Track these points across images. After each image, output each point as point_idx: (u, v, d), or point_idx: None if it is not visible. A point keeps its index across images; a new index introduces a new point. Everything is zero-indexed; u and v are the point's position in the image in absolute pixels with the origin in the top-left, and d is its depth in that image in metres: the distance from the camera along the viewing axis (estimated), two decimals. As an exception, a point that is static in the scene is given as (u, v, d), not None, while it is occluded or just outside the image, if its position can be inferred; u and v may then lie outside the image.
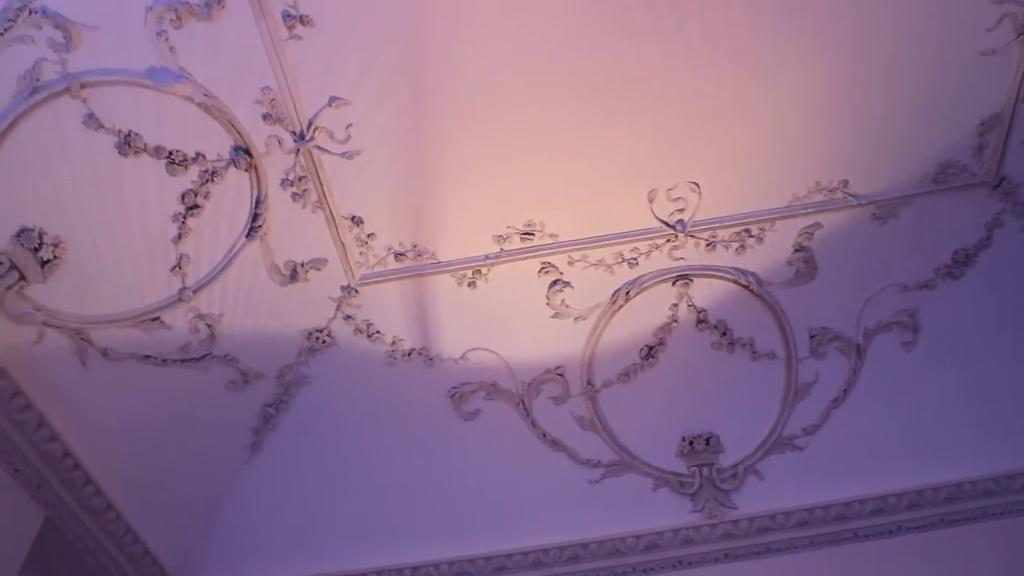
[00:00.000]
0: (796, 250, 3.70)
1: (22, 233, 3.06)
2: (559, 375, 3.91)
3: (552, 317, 3.82)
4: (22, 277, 3.08)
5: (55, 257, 3.12)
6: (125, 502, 3.67)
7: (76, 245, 3.19)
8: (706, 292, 3.80)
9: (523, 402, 3.95)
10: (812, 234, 3.67)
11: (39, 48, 2.81)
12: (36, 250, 3.08)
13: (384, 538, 4.01)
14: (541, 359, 3.92)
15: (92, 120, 3.00)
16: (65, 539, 3.51)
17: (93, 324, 3.35)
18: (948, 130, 3.48)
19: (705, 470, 3.87)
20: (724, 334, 3.83)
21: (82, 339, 3.35)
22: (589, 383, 3.91)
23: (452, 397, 3.96)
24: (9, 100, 2.85)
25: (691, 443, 3.90)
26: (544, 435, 3.96)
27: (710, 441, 3.89)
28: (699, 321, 3.83)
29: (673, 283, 3.78)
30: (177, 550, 4.02)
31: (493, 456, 4.00)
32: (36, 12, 2.75)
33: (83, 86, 2.92)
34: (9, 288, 3.05)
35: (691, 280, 3.76)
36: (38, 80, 2.85)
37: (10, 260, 3.04)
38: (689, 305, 3.81)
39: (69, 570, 3.66)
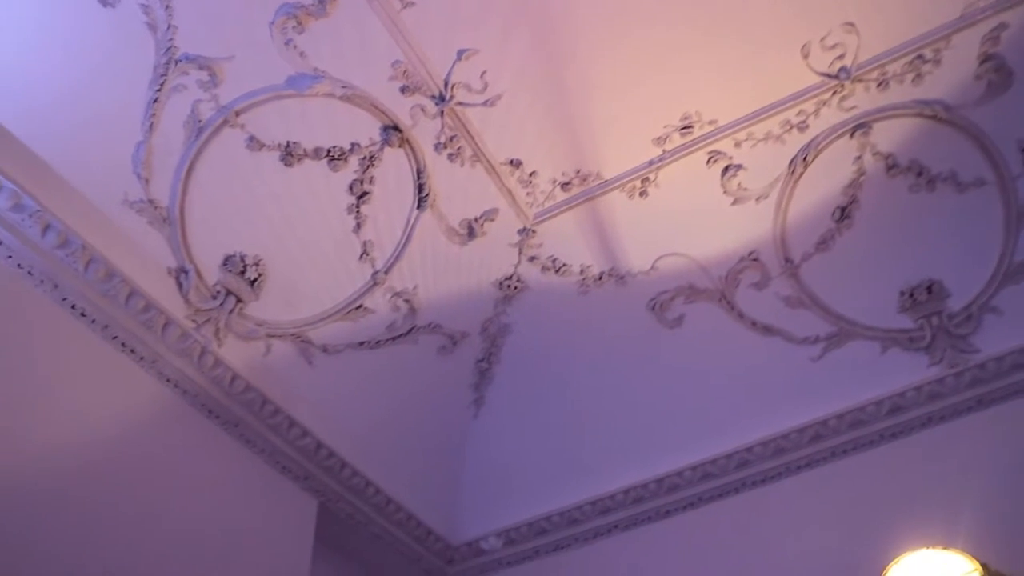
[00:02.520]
0: (983, 60, 3.33)
1: (227, 261, 3.34)
2: (754, 260, 3.79)
3: (732, 204, 3.70)
4: (239, 300, 3.37)
5: (260, 275, 3.39)
6: (380, 476, 3.97)
7: (274, 259, 3.43)
8: (889, 135, 3.52)
9: (724, 296, 3.87)
10: (998, 38, 3.28)
11: (192, 92, 3.02)
12: (242, 273, 3.35)
13: (619, 458, 4.10)
14: (732, 249, 3.81)
15: (254, 142, 3.20)
16: (339, 519, 3.85)
17: (308, 326, 3.61)
18: None
19: (934, 319, 3.61)
20: (920, 174, 3.54)
21: (302, 341, 3.62)
22: (787, 260, 3.76)
23: (652, 309, 3.95)
24: (182, 147, 3.09)
25: (911, 296, 3.65)
26: (754, 324, 3.86)
27: (932, 289, 3.63)
28: (889, 167, 3.56)
29: (851, 135, 3.53)
30: (435, 509, 4.30)
31: (706, 357, 3.95)
32: (180, 60, 2.94)
33: (237, 114, 3.11)
34: (231, 312, 3.34)
35: (870, 127, 3.50)
36: (200, 121, 3.07)
37: (225, 288, 3.33)
38: (874, 154, 3.55)
39: (349, 544, 4.04)
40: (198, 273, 3.27)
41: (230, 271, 3.33)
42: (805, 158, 3.58)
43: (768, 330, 3.85)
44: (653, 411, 4.05)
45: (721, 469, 3.83)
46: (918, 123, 3.48)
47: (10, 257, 2.78)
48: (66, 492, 2.67)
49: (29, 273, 2.82)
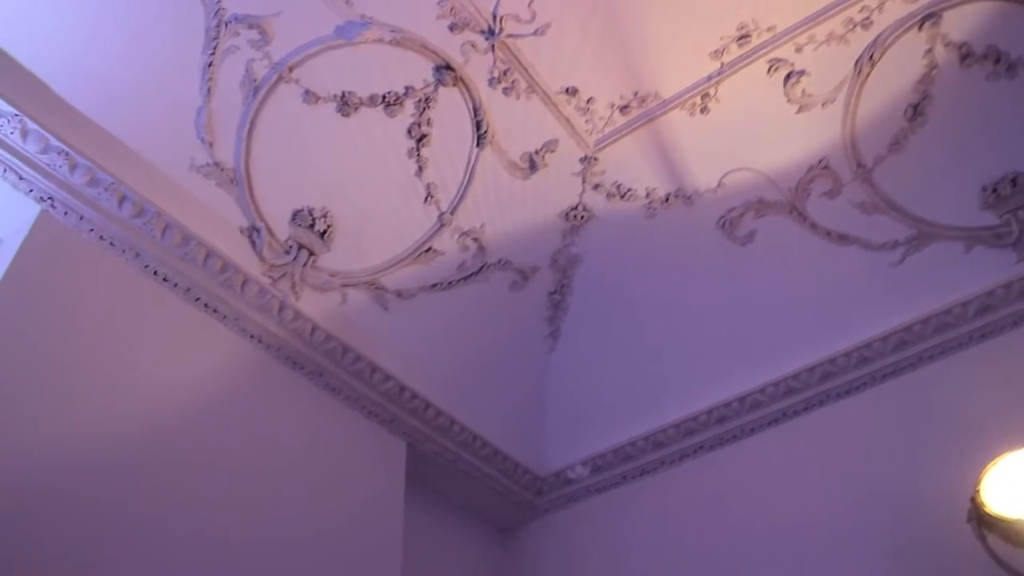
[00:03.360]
0: (1059, -71, 3.12)
1: (296, 216, 3.40)
2: (824, 168, 3.67)
3: (797, 112, 3.58)
4: (311, 253, 3.44)
5: (328, 227, 3.45)
6: (464, 414, 4.06)
7: (341, 210, 3.49)
8: (962, 23, 3.33)
9: (795, 208, 3.77)
10: (1073, -97, 3.06)
11: (244, 52, 3.05)
12: (311, 226, 3.42)
13: (700, 379, 4.09)
14: (800, 158, 3.69)
15: (310, 96, 3.22)
16: (428, 458, 3.96)
17: (380, 273, 3.67)
18: None
19: (1021, 213, 3.45)
20: (998, 60, 3.35)
21: (376, 288, 3.69)
22: (859, 165, 3.63)
23: (722, 227, 3.88)
24: (241, 108, 3.13)
25: (994, 190, 3.49)
26: (828, 233, 3.76)
27: (1017, 181, 3.45)
28: (963, 57, 3.38)
29: (919, 27, 3.35)
30: (520, 442, 4.39)
31: (781, 271, 3.87)
32: (230, 22, 2.96)
33: (291, 69, 3.13)
34: (305, 266, 3.42)
35: (939, 16, 3.32)
36: (255, 80, 3.10)
37: (296, 242, 3.40)
38: (946, 44, 3.37)
39: (439, 482, 4.16)
40: (269, 230, 3.34)
41: (299, 225, 3.40)
42: (871, 57, 3.43)
43: (844, 239, 3.75)
44: (731, 329, 4.01)
45: (804, 383, 3.79)
46: (993, 6, 3.28)
47: (92, 231, 2.89)
48: (166, 455, 2.78)
49: (112, 244, 2.93)
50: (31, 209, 2.78)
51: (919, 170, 3.58)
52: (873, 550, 3.32)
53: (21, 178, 2.74)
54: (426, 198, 3.63)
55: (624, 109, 3.65)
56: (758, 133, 3.66)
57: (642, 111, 3.65)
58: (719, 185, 3.80)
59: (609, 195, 3.89)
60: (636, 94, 3.61)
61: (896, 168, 3.60)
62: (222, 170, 3.19)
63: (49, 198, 2.79)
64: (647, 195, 3.88)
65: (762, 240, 3.87)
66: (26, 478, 2.35)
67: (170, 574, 2.58)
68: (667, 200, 3.87)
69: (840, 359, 3.71)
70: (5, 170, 2.71)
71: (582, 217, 3.95)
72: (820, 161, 3.66)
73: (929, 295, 3.60)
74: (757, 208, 3.82)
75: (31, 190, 2.76)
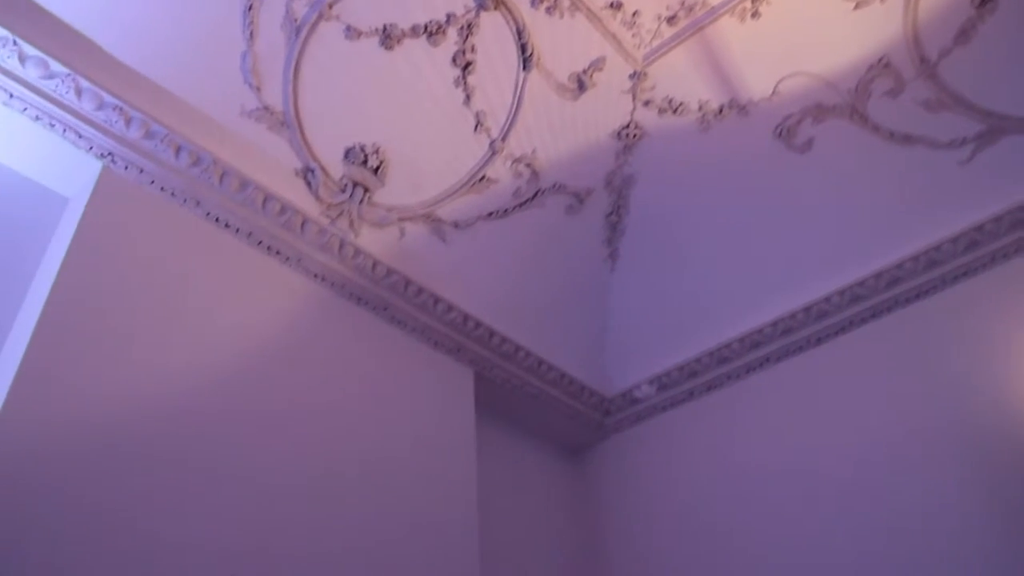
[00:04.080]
0: None
1: (348, 154, 3.43)
2: (885, 66, 3.51)
3: (855, 9, 3.41)
4: (366, 189, 3.47)
5: (381, 162, 3.47)
6: (529, 340, 4.11)
7: (392, 144, 3.50)
8: None
9: (856, 110, 3.63)
10: None
11: (281, -8, 3.03)
12: (364, 163, 3.44)
13: (763, 291, 4.05)
14: (859, 58, 3.53)
15: (351, 32, 3.20)
16: (495, 385, 4.03)
17: (436, 204, 3.69)
18: None
19: (1098, 99, 3.28)
20: (1072, -65, 3.14)
21: (433, 220, 3.72)
22: (923, 60, 3.46)
23: (779, 135, 3.76)
24: (284, 49, 3.14)
25: (1070, 76, 3.32)
26: (891, 134, 3.62)
27: (1094, 65, 3.28)
28: (1035, -66, 3.18)
29: (987, -96, 3.16)
30: (586, 365, 4.43)
31: (842, 177, 3.75)
32: (266, -34, 2.95)
33: (330, 6, 3.11)
34: (361, 203, 3.46)
35: None
36: (295, 20, 3.10)
37: (351, 180, 3.43)
38: (1016, -79, 3.17)
39: (508, 408, 4.24)
40: (323, 170, 3.38)
41: (353, 163, 3.43)
42: (933, -58, 3.24)
43: (908, 139, 3.61)
44: (793, 239, 3.94)
45: (870, 290, 3.72)
46: None
47: (152, 183, 2.96)
48: (238, 399, 2.87)
49: (173, 195, 3.00)
50: (93, 167, 2.86)
51: (988, 62, 3.40)
52: (948, 464, 3.28)
53: (81, 136, 2.81)
54: (476, 126, 3.61)
55: (671, 20, 3.54)
56: (813, 34, 3.51)
57: (690, 21, 3.53)
58: (774, 92, 3.67)
59: (661, 111, 3.81)
60: (683, 3, 3.48)
61: (963, 61, 3.42)
62: (272, 114, 3.22)
63: (109, 154, 2.87)
64: (700, 108, 3.78)
65: (821, 147, 3.75)
66: (103, 427, 2.47)
67: (248, 510, 2.71)
68: (720, 112, 3.77)
69: (907, 264, 3.62)
70: (65, 130, 2.78)
71: (634, 136, 3.88)
72: (880, 59, 3.50)
73: (1001, 192, 3.46)
74: (815, 113, 3.69)
75: (91, 147, 2.83)
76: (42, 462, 2.26)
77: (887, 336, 3.68)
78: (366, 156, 3.46)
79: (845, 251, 3.83)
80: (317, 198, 3.38)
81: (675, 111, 3.80)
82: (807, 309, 3.90)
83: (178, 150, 2.97)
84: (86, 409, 2.43)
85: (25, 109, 2.71)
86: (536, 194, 3.89)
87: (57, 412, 2.36)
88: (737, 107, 3.74)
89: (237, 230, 3.15)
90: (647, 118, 3.84)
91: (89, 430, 2.41)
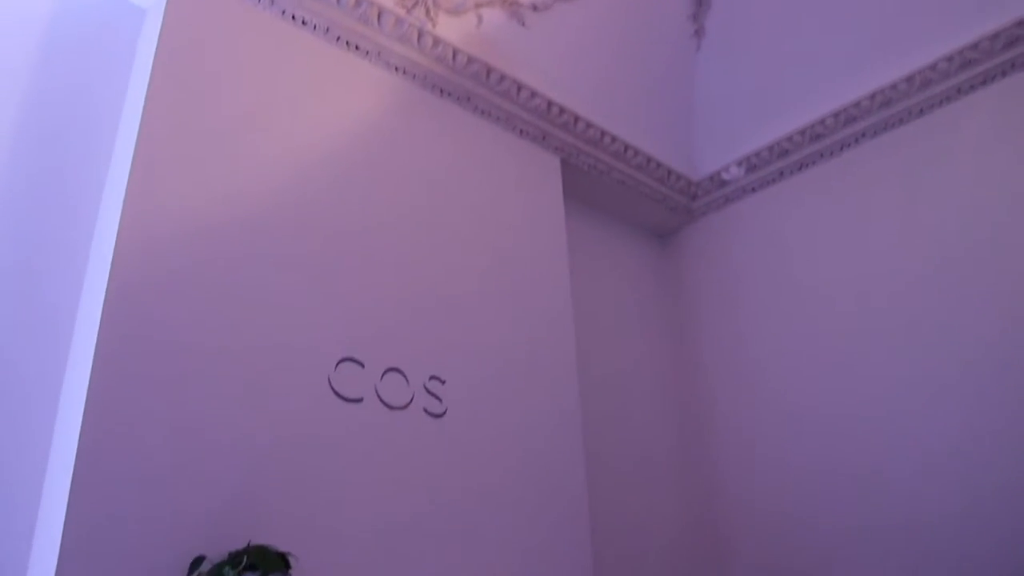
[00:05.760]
0: None
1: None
2: None
3: None
4: (440, -21, 3.31)
5: (448, -53, 3.28)
6: (614, 124, 4.03)
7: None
8: None
9: None
10: None
11: None
12: (432, -51, 3.26)
13: (858, 62, 3.81)
14: None
15: None
16: (582, 171, 4.00)
17: (514, -14, 3.52)
18: None
19: None
20: None
21: (511, 4, 3.56)
22: None
23: None
24: None
25: None
26: None
27: None
28: None
29: None
30: (672, 148, 4.34)
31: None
32: None
33: None
34: (436, -7, 3.32)
35: None
36: None
37: (422, -32, 3.27)
38: None
39: (595, 195, 4.23)
40: (395, -45, 3.23)
41: (424, -53, 3.26)
42: None
43: None
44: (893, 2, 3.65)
45: (984, 53, 3.44)
46: None
47: (227, -22, 2.89)
48: (327, 196, 2.91)
49: (247, -10, 2.93)
50: (164, -28, 2.78)
51: None
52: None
53: (149, -62, 2.73)
54: None
55: None
56: None
57: None
58: None
59: None
60: None
61: None
62: None
63: (179, -47, 2.78)
64: None
65: None
66: (202, 232, 2.57)
67: (339, 300, 2.84)
68: None
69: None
70: (137, -60, 2.70)
71: None
72: None
73: None
74: None
75: (160, -49, 2.75)
76: (162, 258, 2.38)
77: (998, 103, 3.45)
78: (438, -63, 3.28)
79: (951, 12, 3.53)
80: (389, -13, 3.26)
81: None
82: (909, 79, 3.67)
83: (250, -57, 2.86)
84: (194, 209, 2.52)
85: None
86: (617, -32, 3.67)
87: (170, 212, 2.45)
88: None
89: (314, 27, 3.08)
90: None
91: (198, 226, 2.51)
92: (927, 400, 3.35)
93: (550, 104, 3.72)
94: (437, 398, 2.91)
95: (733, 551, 3.90)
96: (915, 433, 3.35)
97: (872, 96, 3.80)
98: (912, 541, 3.25)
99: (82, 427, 2.08)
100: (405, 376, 2.84)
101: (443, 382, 2.95)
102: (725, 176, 4.34)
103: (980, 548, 3.05)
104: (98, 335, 2.19)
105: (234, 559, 2.10)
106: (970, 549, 3.08)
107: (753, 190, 4.31)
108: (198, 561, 2.10)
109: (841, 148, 3.96)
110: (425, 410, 2.85)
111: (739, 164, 4.28)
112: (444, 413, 2.91)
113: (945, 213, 3.49)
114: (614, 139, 4.02)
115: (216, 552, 2.14)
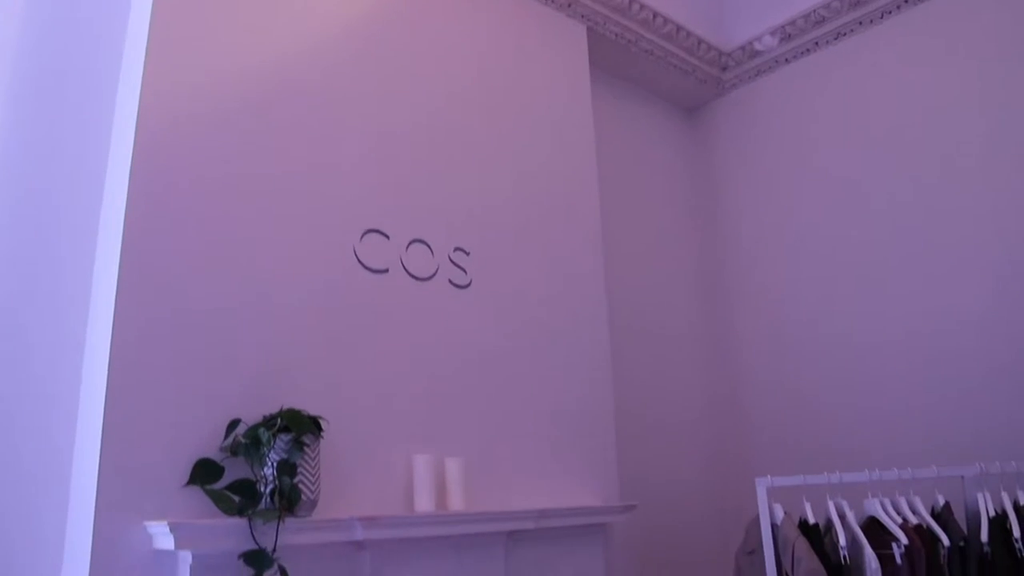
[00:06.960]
0: None
1: None
2: None
3: None
4: None
5: None
6: (644, -10, 3.87)
7: None
8: None
9: None
10: None
11: None
12: None
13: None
14: None
15: None
16: (609, 40, 3.86)
17: None
18: None
19: None
20: None
21: None
22: None
23: None
24: None
25: None
26: None
27: None
28: None
29: None
30: (702, 17, 4.17)
31: None
32: None
33: None
34: None
35: None
36: None
37: None
38: None
39: (623, 65, 4.09)
40: None
41: None
42: None
43: None
44: None
45: None
46: None
47: None
48: (352, 65, 2.83)
49: None
50: None
51: None
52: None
53: None
54: None
55: None
56: None
57: None
58: None
59: None
60: None
61: None
62: None
63: None
64: None
65: None
66: (225, 100, 2.51)
67: (362, 171, 2.80)
68: None
69: None
70: None
71: None
72: None
73: None
74: None
75: None
76: (185, 138, 2.34)
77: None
78: None
79: None
80: None
81: None
82: None
83: None
84: (210, 80, 2.45)
85: None
86: None
87: (187, 83, 2.39)
88: None
89: None
90: None
91: (216, 95, 2.46)
92: (951, 281, 3.32)
93: (577, -33, 3.57)
94: (462, 269, 2.90)
95: (753, 426, 3.97)
96: (938, 304, 3.34)
97: (918, -42, 3.60)
98: (911, 427, 3.30)
99: (116, 297, 2.10)
100: (430, 247, 2.82)
101: (468, 253, 2.94)
102: (758, 46, 4.18)
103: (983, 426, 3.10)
104: (124, 220, 2.18)
105: (268, 422, 2.15)
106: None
107: (787, 61, 4.15)
108: (234, 424, 2.16)
109: (882, 15, 3.78)
110: (450, 281, 2.85)
111: (772, 33, 4.11)
112: (469, 284, 2.91)
113: (987, 92, 3.34)
114: (642, 6, 3.85)
115: (251, 416, 2.19)
